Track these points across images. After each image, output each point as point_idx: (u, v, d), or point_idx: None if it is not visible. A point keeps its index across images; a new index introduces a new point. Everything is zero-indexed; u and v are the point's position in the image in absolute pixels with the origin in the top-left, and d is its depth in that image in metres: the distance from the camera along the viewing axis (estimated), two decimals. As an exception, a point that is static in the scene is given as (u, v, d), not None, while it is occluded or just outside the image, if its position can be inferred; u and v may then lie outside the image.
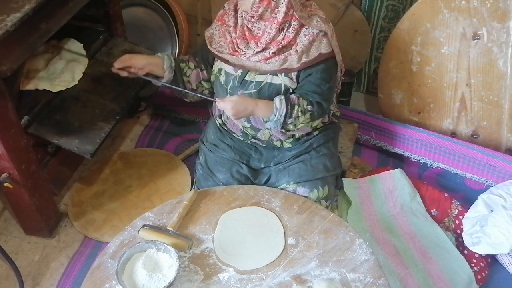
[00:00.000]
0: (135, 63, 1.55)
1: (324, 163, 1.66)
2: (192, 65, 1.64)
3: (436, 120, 2.11)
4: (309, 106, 1.51)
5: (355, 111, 2.13)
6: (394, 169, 1.92)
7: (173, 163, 2.07)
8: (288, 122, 1.50)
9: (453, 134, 2.09)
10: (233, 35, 1.52)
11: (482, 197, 1.78)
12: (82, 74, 1.71)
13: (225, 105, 1.46)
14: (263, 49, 1.48)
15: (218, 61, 1.60)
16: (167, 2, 2.35)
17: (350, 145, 1.99)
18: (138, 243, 1.28)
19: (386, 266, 1.60)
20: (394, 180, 1.89)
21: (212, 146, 1.73)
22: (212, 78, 1.65)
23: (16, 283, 1.60)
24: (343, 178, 1.85)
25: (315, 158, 1.65)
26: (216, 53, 1.56)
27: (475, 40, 1.90)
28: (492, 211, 1.73)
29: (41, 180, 1.70)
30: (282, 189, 1.58)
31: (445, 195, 1.88)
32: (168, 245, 1.25)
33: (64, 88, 1.65)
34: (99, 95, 1.78)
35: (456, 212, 1.83)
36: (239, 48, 1.51)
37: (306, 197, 1.56)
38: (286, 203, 1.46)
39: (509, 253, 1.68)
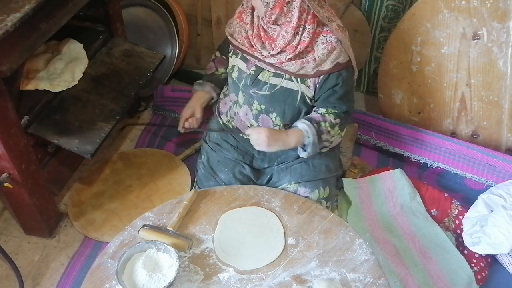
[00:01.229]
0: (198, 119, 1.70)
1: (327, 164, 1.66)
2: (222, 70, 1.74)
3: (436, 120, 2.11)
4: (337, 119, 1.53)
5: (355, 111, 2.13)
6: (394, 169, 1.92)
7: (173, 163, 2.07)
8: (323, 140, 1.52)
9: (453, 134, 2.09)
10: (250, 32, 1.52)
11: (482, 197, 1.78)
12: (82, 74, 1.71)
13: (258, 138, 1.49)
14: (279, 53, 1.46)
15: (233, 57, 1.61)
16: (167, 2, 2.35)
17: (350, 145, 1.99)
18: (138, 243, 1.28)
19: (386, 266, 1.60)
20: (394, 180, 1.89)
21: (215, 146, 1.73)
22: (226, 74, 1.70)
23: (16, 283, 1.60)
24: (343, 178, 1.85)
25: (317, 158, 1.65)
26: (236, 43, 1.56)
27: (475, 40, 1.90)
28: (492, 211, 1.73)
29: (41, 180, 1.70)
30: (283, 188, 1.58)
31: (445, 195, 1.88)
32: (168, 245, 1.25)
33: (64, 88, 1.66)
34: (99, 95, 1.78)
35: (456, 212, 1.83)
36: (255, 45, 1.50)
37: (307, 197, 1.57)
38: (286, 203, 1.46)
39: (509, 253, 1.68)
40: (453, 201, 1.86)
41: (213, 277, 1.26)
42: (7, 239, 1.83)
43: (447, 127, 2.10)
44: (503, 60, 1.89)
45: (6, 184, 1.57)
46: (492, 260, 1.73)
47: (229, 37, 1.59)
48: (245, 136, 1.60)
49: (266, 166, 1.69)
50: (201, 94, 1.73)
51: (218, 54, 1.76)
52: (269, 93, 1.52)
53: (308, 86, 1.51)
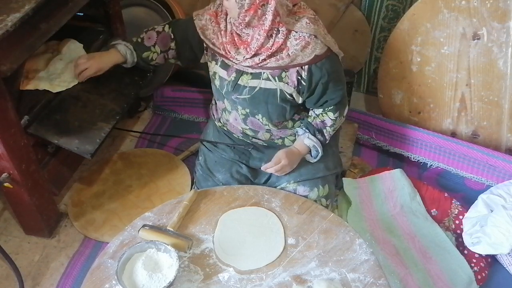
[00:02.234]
0: (96, 70, 1.63)
1: (325, 162, 1.66)
2: (158, 49, 1.64)
3: (436, 120, 2.11)
4: (336, 113, 1.58)
5: (355, 111, 2.13)
6: (394, 169, 1.92)
7: (173, 163, 2.07)
8: (327, 141, 1.65)
9: (453, 134, 2.09)
10: (224, 39, 1.50)
11: (482, 197, 1.78)
12: None
13: (283, 170, 1.57)
14: (254, 55, 1.45)
15: (213, 63, 1.58)
16: (167, 2, 2.35)
17: (350, 145, 1.99)
18: (138, 243, 1.28)
19: (386, 266, 1.60)
20: (394, 180, 1.89)
21: (211, 146, 1.73)
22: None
23: (16, 283, 1.60)
24: (343, 178, 1.85)
25: None
26: (211, 45, 1.54)
27: (475, 40, 1.90)
28: (492, 211, 1.73)
29: (41, 180, 1.70)
30: (282, 188, 1.59)
31: (445, 195, 1.88)
32: (168, 245, 1.25)
33: (64, 89, 1.66)
34: (99, 95, 1.78)
35: (456, 212, 1.83)
36: (229, 52, 1.49)
37: (306, 196, 1.57)
38: (286, 203, 1.46)
39: (509, 253, 1.68)
40: (453, 201, 1.86)
41: (213, 277, 1.26)
42: (7, 239, 1.83)
43: (447, 127, 2.10)
44: (503, 60, 1.89)
45: (6, 184, 1.57)
46: (492, 260, 1.73)
47: (202, 35, 1.55)
48: (248, 148, 1.69)
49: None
50: (114, 54, 1.66)
51: (168, 30, 1.64)
52: (249, 96, 1.52)
53: (287, 83, 1.48)
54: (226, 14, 1.50)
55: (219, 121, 1.74)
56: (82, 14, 1.94)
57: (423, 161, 2.03)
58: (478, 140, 2.07)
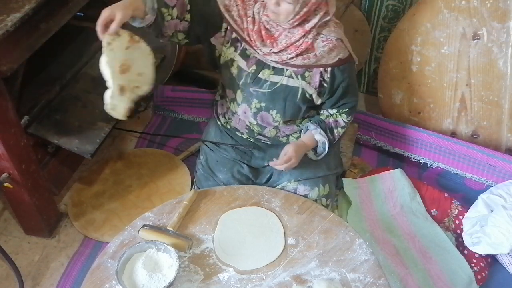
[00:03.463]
0: (118, 20, 1.23)
1: (327, 162, 1.66)
2: (175, 13, 1.42)
3: (436, 120, 2.11)
4: (349, 117, 1.64)
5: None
6: (394, 169, 1.92)
7: (173, 163, 2.07)
8: (335, 141, 1.66)
9: (453, 134, 2.09)
10: (250, 26, 1.48)
11: (482, 197, 1.78)
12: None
13: (291, 165, 1.54)
14: (280, 51, 1.46)
15: (231, 49, 1.54)
16: (167, 2, 2.35)
17: (350, 145, 1.99)
18: (138, 243, 1.28)
19: (386, 266, 1.60)
20: (394, 180, 1.89)
21: (213, 146, 1.72)
22: (222, 60, 1.56)
23: (16, 283, 1.60)
24: (343, 178, 1.85)
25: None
26: (235, 27, 1.50)
27: (475, 40, 1.90)
28: (492, 211, 1.73)
29: (41, 180, 1.70)
30: (283, 186, 1.59)
31: (445, 195, 1.88)
32: (168, 245, 1.25)
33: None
34: (99, 95, 1.77)
35: (456, 212, 1.83)
36: (254, 41, 1.48)
37: (307, 195, 1.57)
38: (286, 203, 1.46)
39: (509, 253, 1.68)
40: (453, 201, 1.86)
41: (213, 277, 1.26)
42: (7, 239, 1.83)
43: (447, 127, 2.10)
44: (503, 60, 1.89)
45: (6, 184, 1.57)
46: (492, 260, 1.73)
47: (226, 13, 1.49)
48: (244, 149, 1.68)
49: (265, 164, 1.68)
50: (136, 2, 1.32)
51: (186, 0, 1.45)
52: (269, 90, 1.52)
53: (309, 83, 1.51)
54: (255, 2, 1.49)
55: (224, 116, 1.73)
56: (82, 14, 1.94)
57: (423, 161, 2.03)
58: (478, 140, 2.07)
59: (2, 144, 1.46)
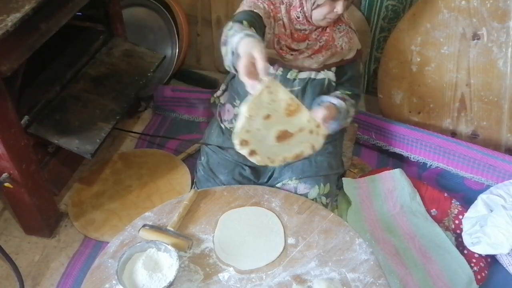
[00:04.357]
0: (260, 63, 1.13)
1: (329, 161, 1.66)
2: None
3: (436, 120, 2.11)
4: (353, 100, 1.62)
5: (355, 111, 2.13)
6: (394, 169, 1.92)
7: (173, 163, 2.07)
8: (347, 117, 1.57)
9: (453, 134, 2.09)
10: (282, 29, 1.51)
11: (482, 197, 1.78)
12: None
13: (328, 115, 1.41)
14: (313, 53, 1.53)
15: None
16: (167, 2, 2.36)
17: (350, 145, 1.99)
18: (138, 243, 1.28)
19: (386, 266, 1.60)
20: (394, 180, 1.89)
21: (215, 147, 1.72)
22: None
23: (16, 283, 1.60)
24: (343, 178, 1.84)
25: (320, 155, 1.65)
26: (271, 32, 1.50)
27: (475, 40, 1.90)
28: (492, 211, 1.73)
29: (41, 180, 1.70)
30: (283, 184, 1.59)
31: (445, 195, 1.88)
32: (168, 245, 1.25)
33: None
34: (99, 95, 1.78)
35: (456, 212, 1.84)
36: (282, 44, 1.52)
37: (307, 193, 1.57)
38: (286, 203, 1.46)
39: (509, 253, 1.68)
40: (452, 201, 1.86)
41: (213, 277, 1.26)
42: (7, 239, 1.83)
43: (447, 127, 2.10)
44: (503, 60, 1.89)
45: (6, 184, 1.57)
46: (492, 260, 1.73)
47: (265, 19, 1.46)
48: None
49: None
50: (251, 41, 1.17)
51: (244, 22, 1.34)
52: (300, 87, 1.56)
53: (332, 71, 1.58)
54: (287, 6, 1.48)
55: (230, 122, 1.70)
56: (82, 14, 1.94)
57: (423, 161, 2.03)
58: (478, 140, 2.07)
59: (2, 144, 1.46)
